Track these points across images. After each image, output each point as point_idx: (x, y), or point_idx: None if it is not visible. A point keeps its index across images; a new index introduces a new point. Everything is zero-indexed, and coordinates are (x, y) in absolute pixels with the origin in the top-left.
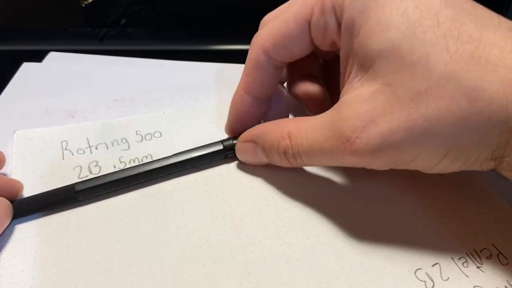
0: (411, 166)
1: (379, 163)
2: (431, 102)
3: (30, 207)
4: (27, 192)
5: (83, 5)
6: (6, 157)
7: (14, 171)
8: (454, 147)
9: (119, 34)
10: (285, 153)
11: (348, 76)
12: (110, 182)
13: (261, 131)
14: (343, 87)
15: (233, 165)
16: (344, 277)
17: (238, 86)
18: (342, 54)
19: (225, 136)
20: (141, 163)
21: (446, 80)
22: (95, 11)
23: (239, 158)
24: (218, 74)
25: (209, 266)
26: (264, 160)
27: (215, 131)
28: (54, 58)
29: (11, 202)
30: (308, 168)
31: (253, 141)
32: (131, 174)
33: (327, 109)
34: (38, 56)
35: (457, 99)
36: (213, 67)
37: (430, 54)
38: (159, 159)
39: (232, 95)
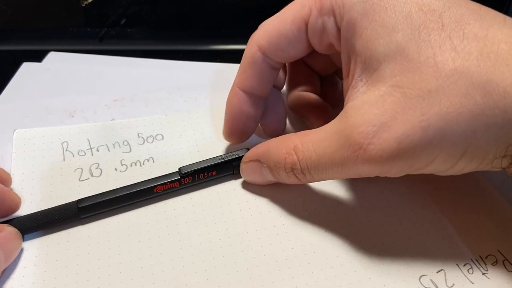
0: (427, 170)
1: (395, 170)
2: (444, 99)
3: (32, 225)
4: (27, 193)
5: (83, 5)
6: (7, 157)
7: (13, 171)
8: (471, 145)
9: (119, 34)
10: (292, 169)
11: (352, 80)
12: (114, 199)
13: (264, 149)
14: (346, 93)
15: (239, 181)
16: (347, 283)
17: (233, 83)
18: (343, 58)
19: None
20: (142, 165)
21: (457, 77)
22: (95, 11)
23: (245, 179)
24: (218, 74)
25: (210, 271)
26: (270, 179)
27: (217, 134)
28: (54, 58)
29: (13, 219)
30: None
31: (257, 160)
32: (135, 191)
33: (330, 120)
34: (38, 56)
35: (471, 94)
36: (213, 67)
37: (437, 54)
38: (164, 176)
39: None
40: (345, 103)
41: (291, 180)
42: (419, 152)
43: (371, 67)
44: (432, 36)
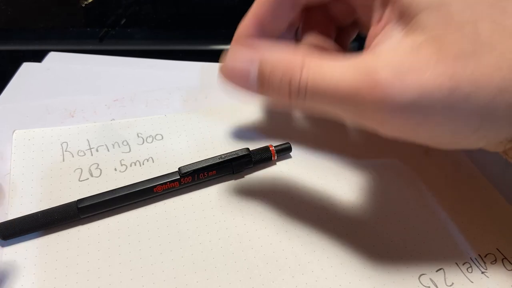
0: (433, 137)
1: (402, 124)
2: (477, 66)
3: (32, 225)
4: (27, 194)
5: (83, 5)
6: (6, 157)
7: (13, 172)
8: (489, 120)
9: (119, 34)
10: (290, 83)
11: (384, 27)
12: (113, 199)
13: (268, 51)
14: (372, 40)
15: (239, 180)
16: (347, 282)
17: (247, 15)
18: (377, 3)
19: (228, 138)
20: (142, 165)
21: (491, 47)
22: (95, 11)
23: (222, 74)
24: (218, 74)
25: (210, 271)
26: (252, 87)
27: (217, 134)
28: (54, 58)
29: (13, 219)
30: (313, 178)
31: (251, 58)
32: (134, 191)
33: None
34: (38, 56)
35: (501, 69)
36: (213, 67)
37: (478, 21)
38: (164, 175)
39: (232, 95)
40: (370, 47)
41: (282, 92)
42: (437, 112)
43: (410, 15)
44: (474, 1)
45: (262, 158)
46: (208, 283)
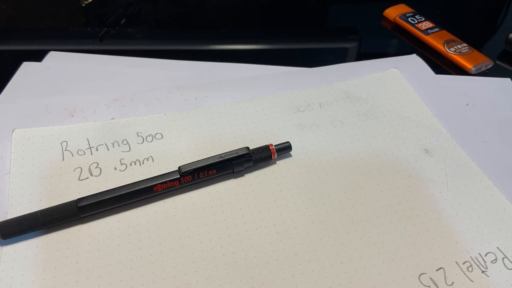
0: None
1: None
2: None
3: (31, 224)
4: (26, 193)
5: (83, 5)
6: (6, 156)
7: (13, 171)
8: None
9: (119, 34)
10: None
11: None
12: (113, 198)
13: None
14: None
15: (239, 180)
16: (347, 282)
17: None
18: None
19: (228, 137)
20: (142, 164)
21: None
22: (95, 11)
23: None
24: (218, 73)
25: (211, 270)
26: None
27: (217, 133)
28: (54, 58)
29: (12, 218)
30: (313, 177)
31: None
32: (134, 190)
33: None
34: (38, 56)
35: None
36: (213, 67)
37: None
38: (164, 174)
39: (232, 95)
40: None
41: None
42: None
43: None
44: None
45: (262, 157)
46: (208, 283)
